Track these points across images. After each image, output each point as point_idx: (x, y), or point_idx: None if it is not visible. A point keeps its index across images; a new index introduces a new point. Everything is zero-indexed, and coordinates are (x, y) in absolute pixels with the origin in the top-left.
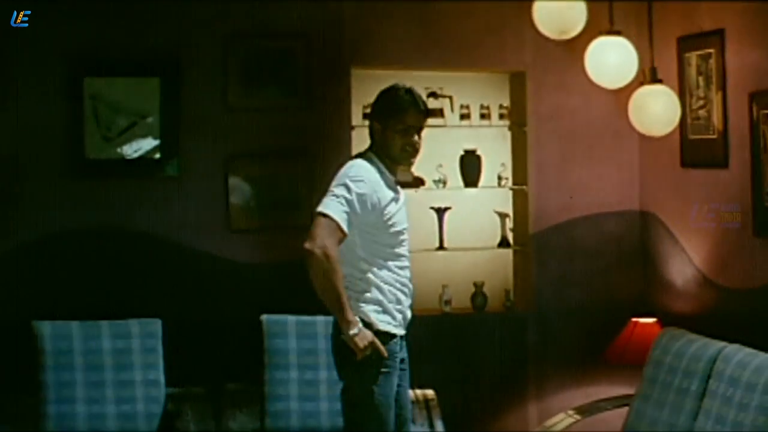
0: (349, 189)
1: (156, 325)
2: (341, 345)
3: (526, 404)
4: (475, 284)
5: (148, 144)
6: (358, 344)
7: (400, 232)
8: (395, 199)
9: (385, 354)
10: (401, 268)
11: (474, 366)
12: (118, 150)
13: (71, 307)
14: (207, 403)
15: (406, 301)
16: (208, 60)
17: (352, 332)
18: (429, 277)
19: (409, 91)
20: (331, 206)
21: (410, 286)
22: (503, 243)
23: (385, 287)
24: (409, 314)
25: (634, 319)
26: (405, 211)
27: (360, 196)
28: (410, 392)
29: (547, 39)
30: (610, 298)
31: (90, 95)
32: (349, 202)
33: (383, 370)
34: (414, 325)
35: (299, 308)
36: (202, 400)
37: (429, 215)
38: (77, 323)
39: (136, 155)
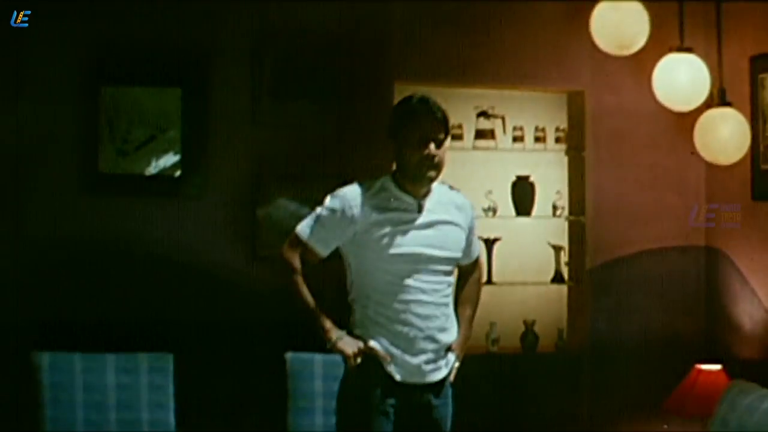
0: (322, 206)
1: (167, 359)
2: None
3: None
4: (525, 322)
5: (167, 160)
6: (345, 350)
7: (406, 258)
8: (398, 221)
9: (386, 357)
10: (406, 302)
11: (521, 412)
12: (135, 165)
13: (74, 337)
14: None
15: (403, 343)
16: (236, 69)
17: (332, 339)
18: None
19: (423, 100)
20: (302, 222)
21: (420, 326)
22: (557, 278)
23: (369, 320)
24: (412, 362)
25: (698, 366)
26: (437, 236)
27: (331, 211)
28: None
29: (607, 56)
30: (671, 342)
31: (106, 105)
32: (317, 217)
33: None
34: None
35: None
36: None
37: None
38: (80, 355)
39: (154, 171)
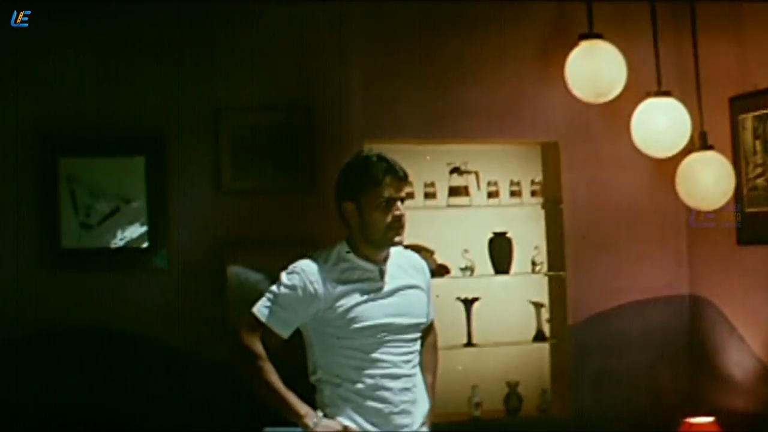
0: (279, 283)
1: None
2: None
3: None
4: (508, 384)
5: (133, 232)
6: None
7: (374, 330)
8: (362, 292)
9: None
10: (379, 376)
11: None
12: (99, 239)
13: (39, 419)
14: None
15: (378, 420)
16: (199, 137)
17: (310, 424)
18: (456, 377)
19: (382, 158)
20: (258, 303)
21: (395, 400)
22: (539, 336)
23: (340, 398)
24: None
25: (687, 420)
26: (402, 303)
27: (290, 288)
28: None
29: (582, 104)
30: (659, 396)
31: (66, 177)
32: (275, 296)
33: None
34: None
35: None
36: None
37: (455, 307)
38: None
39: (120, 244)
